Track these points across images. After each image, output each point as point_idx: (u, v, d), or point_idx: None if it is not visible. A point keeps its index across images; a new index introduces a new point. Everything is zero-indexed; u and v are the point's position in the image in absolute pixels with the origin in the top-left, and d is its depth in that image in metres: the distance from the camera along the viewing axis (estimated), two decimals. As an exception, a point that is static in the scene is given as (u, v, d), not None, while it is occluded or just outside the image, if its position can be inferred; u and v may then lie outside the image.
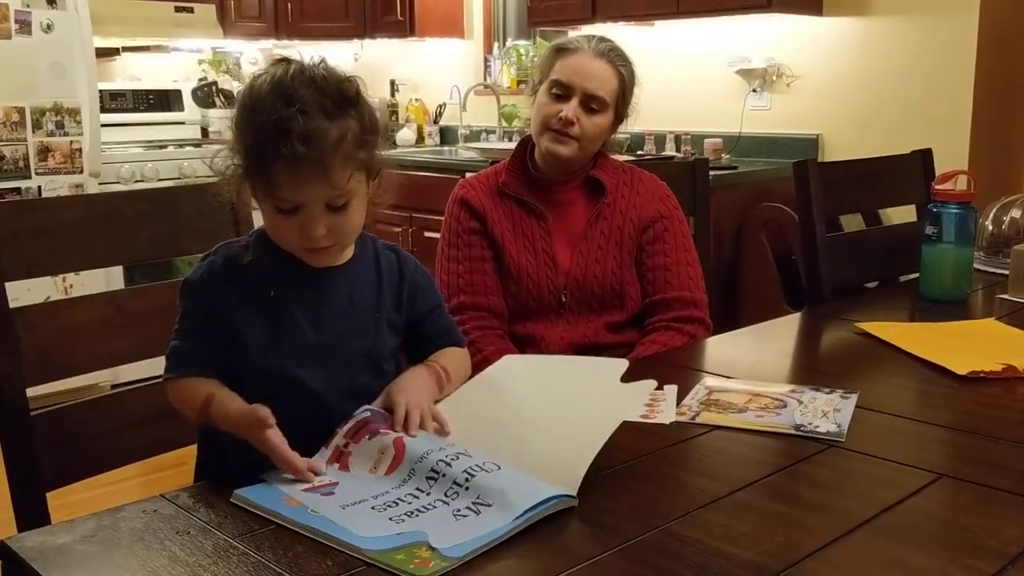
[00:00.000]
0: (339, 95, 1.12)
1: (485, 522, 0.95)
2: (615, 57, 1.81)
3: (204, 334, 1.17)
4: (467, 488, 1.01)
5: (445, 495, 1.01)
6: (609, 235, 1.84)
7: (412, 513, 0.98)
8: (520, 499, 0.97)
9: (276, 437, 1.07)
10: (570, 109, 1.78)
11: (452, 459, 1.05)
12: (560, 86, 1.80)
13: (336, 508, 0.99)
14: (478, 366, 1.76)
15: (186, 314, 1.19)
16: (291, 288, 1.18)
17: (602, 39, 1.83)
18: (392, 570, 0.88)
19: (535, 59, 4.58)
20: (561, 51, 1.82)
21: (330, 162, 1.10)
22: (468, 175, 1.93)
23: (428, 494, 1.01)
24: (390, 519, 0.97)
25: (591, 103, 1.79)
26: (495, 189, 1.87)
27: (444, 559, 0.89)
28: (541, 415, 1.19)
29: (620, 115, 1.85)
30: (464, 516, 0.96)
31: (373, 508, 0.99)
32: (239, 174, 1.14)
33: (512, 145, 1.93)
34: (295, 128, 1.07)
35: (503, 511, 0.96)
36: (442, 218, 1.91)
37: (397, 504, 1.00)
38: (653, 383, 1.27)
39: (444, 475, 1.03)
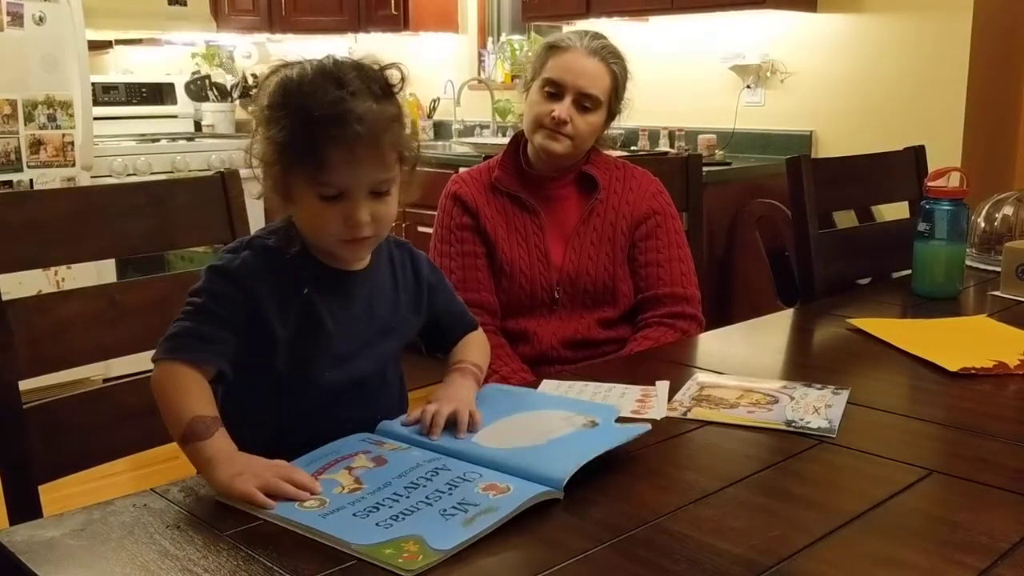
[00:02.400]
0: (384, 80, 1.13)
1: (472, 518, 0.95)
2: (607, 54, 1.80)
3: (227, 324, 1.12)
4: (450, 494, 1.01)
5: (427, 498, 1.00)
6: (602, 231, 1.84)
7: (398, 516, 0.96)
8: (504, 502, 0.97)
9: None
10: (563, 108, 1.77)
11: (432, 474, 1.05)
12: (553, 84, 1.79)
13: (316, 517, 0.97)
14: None
15: (212, 297, 1.12)
16: (319, 290, 1.17)
17: (595, 36, 1.82)
18: (381, 565, 0.88)
19: (529, 54, 4.58)
20: (553, 48, 1.81)
21: (384, 143, 1.10)
22: (461, 170, 1.92)
23: (408, 498, 1.00)
24: (377, 524, 0.95)
25: (584, 102, 1.78)
26: (488, 185, 1.86)
27: (433, 552, 0.89)
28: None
29: (613, 112, 1.84)
30: (452, 515, 0.96)
31: (355, 515, 0.97)
32: (280, 164, 1.11)
33: (506, 140, 1.92)
34: (353, 108, 1.07)
35: (488, 514, 0.96)
36: (435, 213, 1.90)
37: (378, 508, 0.98)
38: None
39: (425, 486, 1.03)
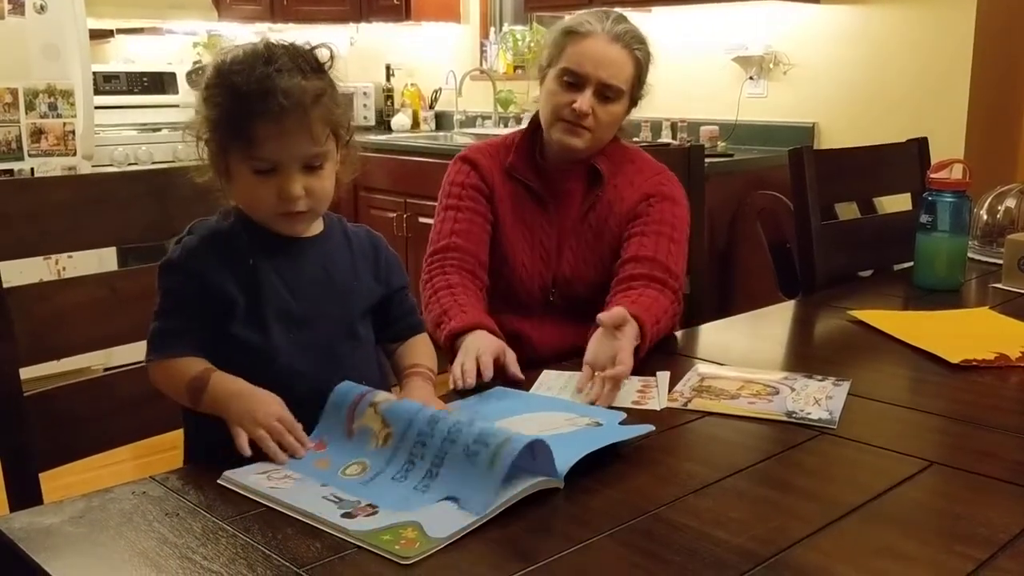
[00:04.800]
0: (314, 58, 1.17)
1: (496, 453, 0.96)
2: (631, 40, 1.68)
3: (189, 313, 1.17)
4: (471, 425, 1.02)
5: (449, 433, 1.01)
6: (598, 231, 1.73)
7: (430, 473, 0.99)
8: (504, 492, 0.97)
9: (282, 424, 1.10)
10: (584, 100, 1.65)
11: (456, 432, 1.04)
12: (572, 75, 1.66)
13: (357, 485, 1.00)
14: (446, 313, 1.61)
15: (168, 295, 1.19)
16: (268, 258, 1.19)
17: (617, 19, 1.69)
18: (378, 551, 0.88)
19: (531, 45, 4.56)
20: (572, 34, 1.67)
21: (311, 116, 1.13)
22: (472, 143, 1.82)
23: (433, 437, 1.02)
24: (414, 488, 0.98)
25: (606, 92, 1.66)
26: (502, 165, 1.77)
27: (430, 540, 0.90)
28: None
29: (635, 99, 1.76)
30: (476, 452, 0.98)
31: (394, 479, 1.01)
32: (216, 141, 1.16)
33: (508, 131, 1.88)
34: (278, 83, 1.11)
35: (507, 446, 0.97)
36: (435, 205, 1.83)
37: (414, 464, 1.01)
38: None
39: (444, 418, 1.05)
